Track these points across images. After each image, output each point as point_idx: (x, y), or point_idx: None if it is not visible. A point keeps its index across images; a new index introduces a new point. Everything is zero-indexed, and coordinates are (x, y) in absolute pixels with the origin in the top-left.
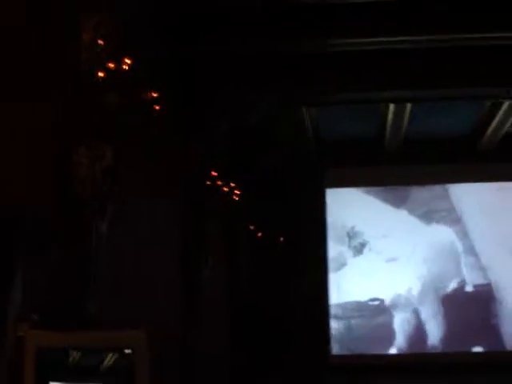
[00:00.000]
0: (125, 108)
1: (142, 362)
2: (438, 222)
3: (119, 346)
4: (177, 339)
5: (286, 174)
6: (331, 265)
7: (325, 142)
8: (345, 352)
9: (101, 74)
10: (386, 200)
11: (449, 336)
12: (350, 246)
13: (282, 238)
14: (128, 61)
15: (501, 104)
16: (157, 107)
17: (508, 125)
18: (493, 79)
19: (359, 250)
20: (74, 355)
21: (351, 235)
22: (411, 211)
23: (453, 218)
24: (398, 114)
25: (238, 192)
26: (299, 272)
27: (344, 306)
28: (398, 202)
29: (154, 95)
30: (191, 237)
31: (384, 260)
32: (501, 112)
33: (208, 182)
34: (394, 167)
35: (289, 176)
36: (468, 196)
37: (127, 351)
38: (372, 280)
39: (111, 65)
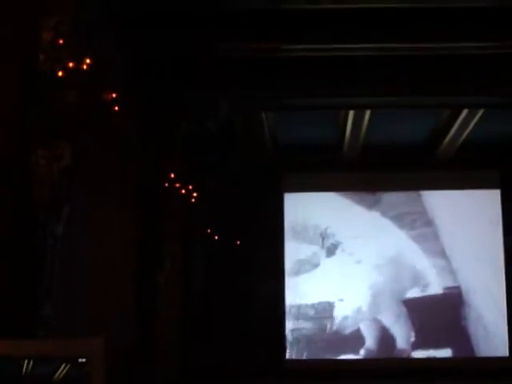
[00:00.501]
0: (84, 107)
1: (97, 371)
2: (409, 224)
3: (74, 355)
4: (131, 345)
5: (244, 178)
6: (303, 267)
7: (283, 147)
8: (300, 357)
9: (60, 73)
10: (359, 202)
11: (416, 339)
12: (322, 247)
13: (238, 242)
14: (88, 60)
15: (459, 113)
16: (116, 107)
17: (465, 134)
18: (451, 89)
19: (332, 251)
20: (27, 365)
21: (324, 236)
22: (384, 213)
23: (425, 220)
24: (357, 121)
25: (195, 195)
26: (255, 276)
27: (303, 309)
28: (370, 205)
29: (114, 95)
30: (147, 239)
31: (354, 261)
32: (458, 121)
33: (166, 184)
34: (353, 173)
35: (247, 180)
36: (439, 201)
37: (81, 360)
38: (338, 282)
39: (71, 64)
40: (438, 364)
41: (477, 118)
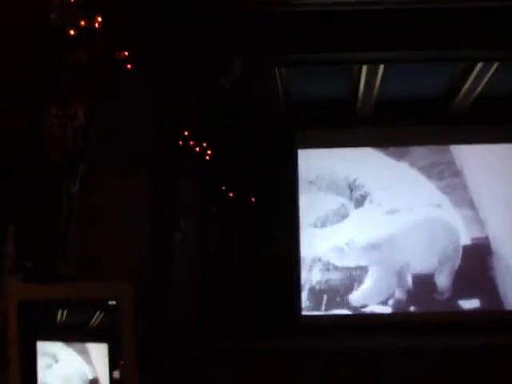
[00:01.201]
0: (97, 66)
1: (127, 315)
2: (438, 175)
3: (103, 298)
4: (148, 300)
5: (258, 135)
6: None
7: (296, 103)
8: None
9: (72, 32)
10: (388, 154)
11: (447, 290)
12: (351, 199)
13: (253, 198)
14: (99, 19)
15: (473, 67)
16: (129, 66)
17: (480, 87)
18: (465, 42)
19: (360, 202)
20: (61, 313)
21: (352, 188)
22: (412, 164)
23: (453, 171)
24: (371, 76)
25: (209, 152)
26: (271, 232)
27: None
28: (398, 156)
29: (126, 53)
30: (162, 198)
31: (384, 212)
32: (473, 74)
33: (180, 142)
34: (367, 129)
35: (260, 137)
36: (466, 153)
37: (111, 303)
38: (370, 231)
39: (82, 22)
40: (465, 317)
41: (492, 70)
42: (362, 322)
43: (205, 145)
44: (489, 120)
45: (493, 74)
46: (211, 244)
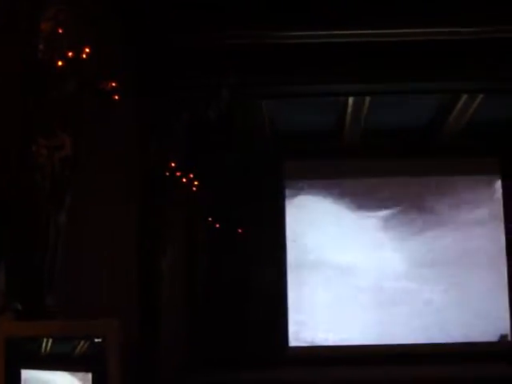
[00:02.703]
0: (84, 97)
1: (113, 350)
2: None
3: (90, 335)
4: (135, 332)
5: (245, 167)
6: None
7: (283, 135)
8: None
9: (60, 63)
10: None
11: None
12: None
13: (240, 230)
14: (87, 49)
15: (458, 98)
16: (116, 97)
17: (466, 119)
18: (450, 73)
19: None
20: (46, 343)
21: None
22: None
23: None
24: (358, 107)
25: (196, 183)
26: (258, 263)
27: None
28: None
29: (113, 85)
30: (150, 228)
31: None
32: (458, 106)
33: (167, 173)
34: (354, 160)
35: (247, 168)
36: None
37: (97, 340)
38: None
39: (70, 53)
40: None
41: (476, 102)
42: (348, 354)
43: (192, 176)
44: (472, 152)
45: (477, 105)
46: (199, 273)
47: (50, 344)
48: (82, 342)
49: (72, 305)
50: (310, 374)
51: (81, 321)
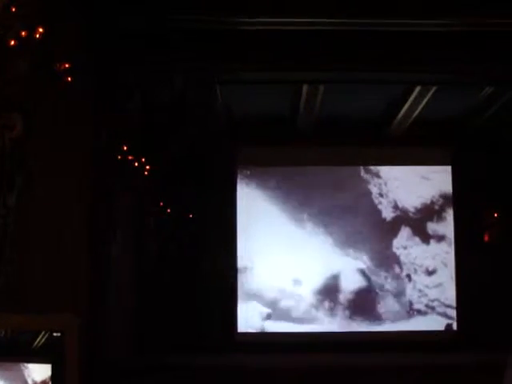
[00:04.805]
0: (36, 77)
1: (71, 345)
2: None
3: (49, 330)
4: (83, 318)
5: (198, 151)
6: None
7: (237, 120)
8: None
9: (12, 42)
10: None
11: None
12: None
13: (191, 215)
14: (41, 29)
15: (412, 89)
16: (69, 78)
17: (418, 110)
18: (404, 64)
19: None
20: (7, 331)
21: None
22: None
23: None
24: (312, 95)
25: (148, 168)
26: (208, 249)
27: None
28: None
29: (66, 65)
30: (100, 213)
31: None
32: (411, 97)
33: (119, 157)
34: (307, 148)
35: (200, 153)
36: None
37: (56, 335)
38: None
39: (23, 33)
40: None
41: (430, 94)
42: (302, 340)
43: (144, 160)
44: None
45: (431, 97)
46: (149, 259)
47: (10, 332)
48: (43, 333)
49: (19, 287)
50: (259, 361)
51: (38, 316)
